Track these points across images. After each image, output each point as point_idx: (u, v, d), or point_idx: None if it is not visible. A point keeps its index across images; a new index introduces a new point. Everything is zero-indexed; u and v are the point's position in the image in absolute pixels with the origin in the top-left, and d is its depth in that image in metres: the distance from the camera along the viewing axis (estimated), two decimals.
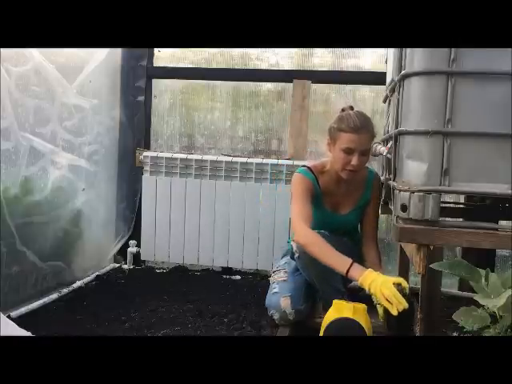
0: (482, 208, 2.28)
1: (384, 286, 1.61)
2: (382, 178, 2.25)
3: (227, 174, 2.81)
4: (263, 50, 2.99)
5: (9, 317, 1.95)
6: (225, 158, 2.83)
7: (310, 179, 2.00)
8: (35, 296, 2.24)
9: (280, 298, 1.99)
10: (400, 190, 1.54)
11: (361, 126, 1.87)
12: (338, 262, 1.73)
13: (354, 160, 1.87)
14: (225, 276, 2.89)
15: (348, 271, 1.69)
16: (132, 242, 3.00)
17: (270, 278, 2.18)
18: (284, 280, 2.07)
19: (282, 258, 2.27)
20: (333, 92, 2.83)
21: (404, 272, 2.52)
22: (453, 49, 1.45)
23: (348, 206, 2.10)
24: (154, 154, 2.90)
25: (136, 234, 3.00)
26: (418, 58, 1.53)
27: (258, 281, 2.83)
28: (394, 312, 1.57)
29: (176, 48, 3.03)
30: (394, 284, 1.62)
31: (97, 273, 2.78)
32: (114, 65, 2.94)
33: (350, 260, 1.71)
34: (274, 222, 2.77)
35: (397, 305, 1.56)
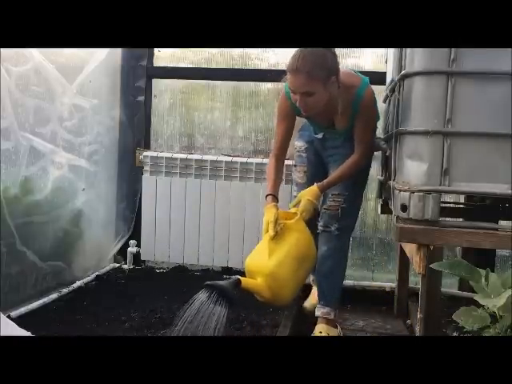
0: (481, 208, 2.28)
1: (266, 214, 1.98)
2: (382, 178, 2.26)
3: (227, 174, 2.81)
4: (263, 49, 2.99)
5: (9, 317, 1.95)
6: (225, 158, 2.83)
7: (289, 99, 2.04)
8: (35, 296, 2.24)
9: None
10: (400, 190, 1.54)
11: (297, 67, 1.83)
12: (268, 186, 2.11)
13: (298, 101, 1.89)
14: (225, 276, 2.88)
15: (266, 197, 2.08)
16: (132, 242, 3.00)
17: None
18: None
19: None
20: None
21: (404, 272, 2.52)
22: (453, 49, 1.45)
23: (343, 123, 2.08)
24: (154, 153, 2.90)
25: (136, 234, 3.00)
26: (418, 58, 1.53)
27: None
28: (264, 233, 1.94)
29: (176, 48, 3.02)
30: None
31: (97, 273, 2.77)
32: (114, 65, 2.94)
33: (270, 192, 2.08)
34: None
35: (265, 230, 1.94)
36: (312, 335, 2.10)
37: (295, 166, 2.36)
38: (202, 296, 1.68)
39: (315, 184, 2.07)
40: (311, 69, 1.82)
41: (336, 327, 2.17)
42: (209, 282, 1.72)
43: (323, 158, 2.25)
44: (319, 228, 2.16)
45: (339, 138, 2.14)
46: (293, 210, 2.05)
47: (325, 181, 2.07)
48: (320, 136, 2.20)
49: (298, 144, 2.33)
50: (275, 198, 2.06)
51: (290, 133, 2.18)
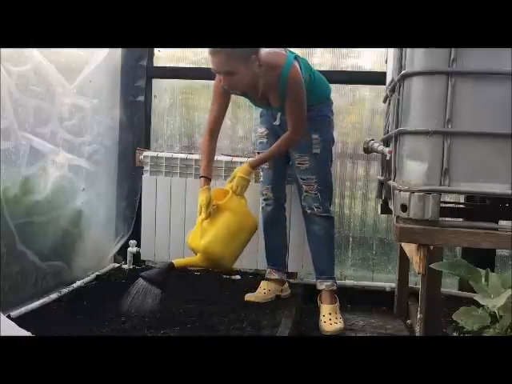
0: (481, 208, 2.28)
1: (199, 197, 2.21)
2: (382, 178, 2.26)
3: (227, 174, 2.81)
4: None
5: (9, 317, 1.95)
6: (225, 158, 2.82)
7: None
8: (35, 296, 2.24)
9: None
10: (400, 190, 1.54)
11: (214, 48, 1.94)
12: (201, 167, 2.30)
13: (222, 80, 2.07)
14: (225, 276, 2.88)
15: (200, 178, 2.28)
16: (132, 242, 2.99)
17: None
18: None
19: None
20: (333, 92, 2.82)
21: (404, 272, 2.53)
22: (453, 49, 1.45)
23: (274, 101, 2.23)
24: (154, 153, 2.90)
25: (136, 234, 3.00)
26: (418, 57, 1.53)
27: (258, 281, 2.82)
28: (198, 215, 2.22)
29: (176, 48, 3.02)
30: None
31: (97, 273, 2.77)
32: (114, 65, 2.94)
33: (203, 174, 2.27)
34: None
35: (199, 212, 2.20)
36: (322, 319, 2.28)
37: (258, 152, 2.47)
38: (138, 283, 2.14)
39: (247, 161, 2.30)
40: (229, 49, 1.92)
41: (336, 302, 2.38)
42: (142, 274, 2.13)
43: None
44: (306, 210, 2.37)
45: None
46: (228, 186, 2.27)
47: (256, 157, 2.33)
48: (278, 122, 2.33)
49: (259, 130, 2.46)
50: (208, 180, 2.26)
51: (223, 110, 2.31)
